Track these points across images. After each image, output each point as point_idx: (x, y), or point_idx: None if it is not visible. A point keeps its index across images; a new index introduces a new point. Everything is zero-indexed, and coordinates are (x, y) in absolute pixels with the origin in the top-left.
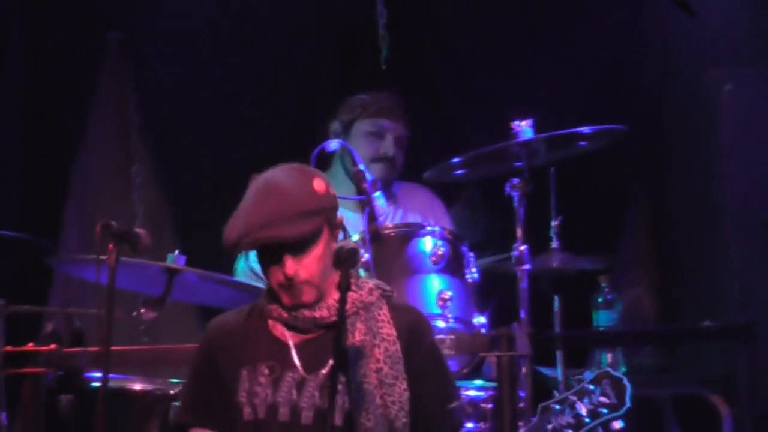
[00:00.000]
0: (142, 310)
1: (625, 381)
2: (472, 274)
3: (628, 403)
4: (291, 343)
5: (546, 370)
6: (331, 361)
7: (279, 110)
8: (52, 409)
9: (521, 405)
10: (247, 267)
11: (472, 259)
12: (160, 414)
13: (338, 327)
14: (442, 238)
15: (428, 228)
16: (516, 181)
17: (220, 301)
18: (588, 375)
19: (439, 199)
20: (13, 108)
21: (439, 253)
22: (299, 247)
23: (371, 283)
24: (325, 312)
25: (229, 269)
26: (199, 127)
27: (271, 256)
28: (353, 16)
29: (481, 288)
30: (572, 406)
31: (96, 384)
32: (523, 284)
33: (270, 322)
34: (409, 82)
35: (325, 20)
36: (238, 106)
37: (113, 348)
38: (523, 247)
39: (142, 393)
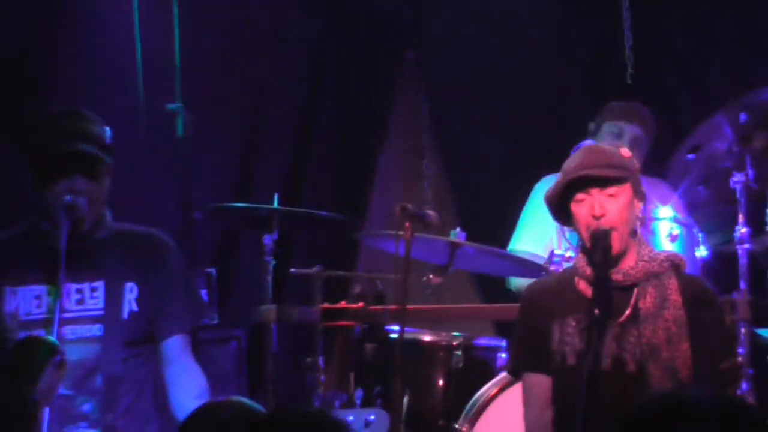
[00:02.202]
0: (431, 276)
1: None
2: (701, 251)
3: None
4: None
5: (762, 332)
6: (622, 317)
7: (542, 115)
8: (359, 354)
9: (741, 360)
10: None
11: (702, 238)
12: (444, 360)
13: (596, 294)
14: (677, 222)
15: (667, 214)
16: (739, 174)
17: (494, 270)
18: None
19: (674, 190)
20: (330, 115)
21: (674, 233)
22: (608, 188)
23: (663, 255)
24: (620, 276)
25: (501, 244)
26: (477, 129)
27: (580, 202)
28: (605, 40)
29: (709, 263)
30: None
31: (394, 335)
32: (743, 260)
33: (577, 279)
34: (649, 94)
35: (582, 42)
36: (508, 111)
37: (408, 306)
38: (743, 230)
39: (430, 343)
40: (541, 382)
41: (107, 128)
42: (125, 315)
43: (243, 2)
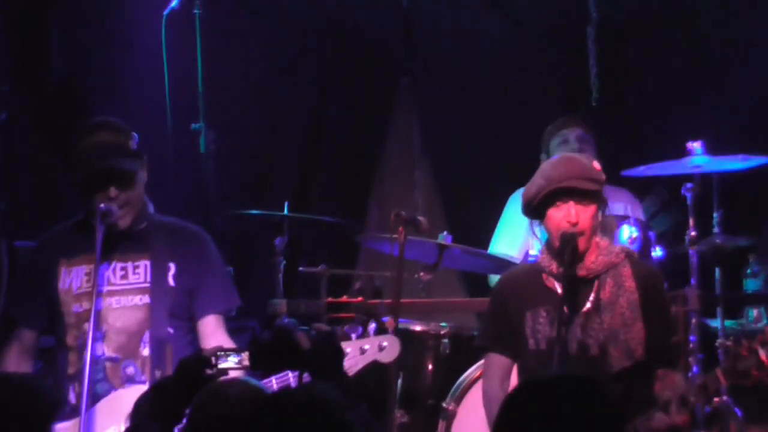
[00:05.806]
0: (421, 274)
1: None
2: (656, 251)
3: None
4: (560, 291)
5: (710, 321)
6: (586, 307)
7: (519, 134)
8: None
9: (691, 346)
10: (501, 252)
11: (655, 240)
12: (433, 347)
13: (567, 287)
14: (636, 225)
15: (626, 218)
16: (689, 185)
17: (476, 268)
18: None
19: (634, 197)
20: (334, 134)
21: (633, 236)
22: (584, 200)
23: (618, 247)
24: (584, 272)
25: (483, 247)
26: (462, 145)
27: (558, 207)
28: (574, 68)
29: (663, 262)
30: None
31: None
32: (694, 259)
33: (544, 275)
34: (612, 114)
35: (554, 69)
36: (489, 131)
37: (401, 300)
38: (693, 232)
39: (421, 332)
40: (503, 361)
41: (134, 135)
42: (167, 289)
43: (257, 36)
